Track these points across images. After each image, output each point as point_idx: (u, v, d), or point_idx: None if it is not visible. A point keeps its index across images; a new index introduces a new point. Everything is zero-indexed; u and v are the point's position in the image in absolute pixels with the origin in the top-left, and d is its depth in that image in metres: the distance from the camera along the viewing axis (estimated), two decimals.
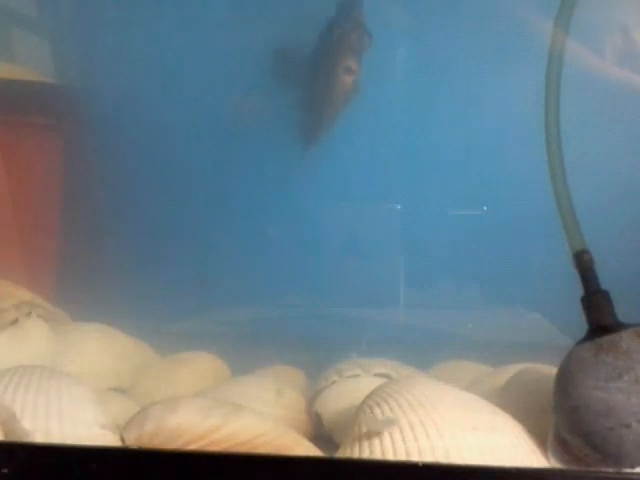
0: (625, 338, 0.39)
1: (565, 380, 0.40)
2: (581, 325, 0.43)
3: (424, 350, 0.77)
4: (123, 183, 0.95)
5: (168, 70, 0.90)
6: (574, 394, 0.39)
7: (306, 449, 0.44)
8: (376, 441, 0.41)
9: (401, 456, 0.39)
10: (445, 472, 0.37)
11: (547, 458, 0.41)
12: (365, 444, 0.41)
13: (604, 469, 0.38)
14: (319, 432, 0.59)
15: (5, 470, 0.37)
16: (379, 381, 0.54)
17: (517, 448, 0.40)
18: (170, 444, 0.40)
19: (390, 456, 0.39)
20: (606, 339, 0.39)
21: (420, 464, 0.37)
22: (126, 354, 0.71)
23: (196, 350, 0.73)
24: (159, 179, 0.94)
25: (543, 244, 0.77)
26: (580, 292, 0.43)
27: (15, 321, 0.63)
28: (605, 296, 0.42)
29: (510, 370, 0.60)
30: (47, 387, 0.44)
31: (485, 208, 0.88)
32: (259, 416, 0.44)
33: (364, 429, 0.42)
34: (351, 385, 0.60)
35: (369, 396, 0.46)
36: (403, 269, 0.91)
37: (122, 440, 0.42)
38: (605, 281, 0.43)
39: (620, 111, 0.78)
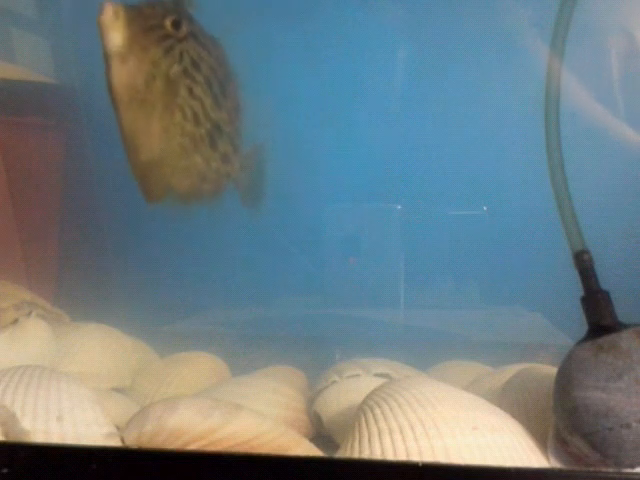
0: (625, 338, 0.39)
1: (565, 380, 0.40)
2: (581, 325, 0.43)
3: (424, 350, 0.77)
4: (123, 183, 0.95)
5: None
6: (574, 394, 0.39)
7: (306, 449, 0.44)
8: (376, 441, 0.41)
9: (401, 456, 0.39)
10: (445, 472, 0.37)
11: (547, 458, 0.41)
12: (365, 444, 0.41)
13: (604, 469, 0.38)
14: (319, 432, 0.59)
15: (5, 470, 0.37)
16: (379, 381, 0.54)
17: (517, 448, 0.40)
18: (170, 444, 0.40)
19: (390, 456, 0.39)
20: (606, 339, 0.39)
21: (420, 464, 0.37)
22: (126, 354, 0.71)
23: (196, 350, 0.73)
24: None
25: (543, 244, 0.77)
26: (580, 292, 0.43)
27: (15, 321, 0.63)
28: (605, 296, 0.42)
29: (510, 370, 0.60)
30: (47, 387, 0.44)
31: (485, 208, 0.88)
32: (259, 416, 0.44)
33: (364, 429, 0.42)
34: (351, 385, 0.60)
35: (369, 396, 0.46)
36: (403, 269, 0.91)
37: (122, 440, 0.42)
38: (605, 281, 0.43)
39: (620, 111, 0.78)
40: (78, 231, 0.93)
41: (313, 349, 0.80)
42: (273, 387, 0.60)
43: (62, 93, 0.92)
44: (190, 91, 0.56)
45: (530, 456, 0.41)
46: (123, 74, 0.53)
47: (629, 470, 0.38)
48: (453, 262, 0.92)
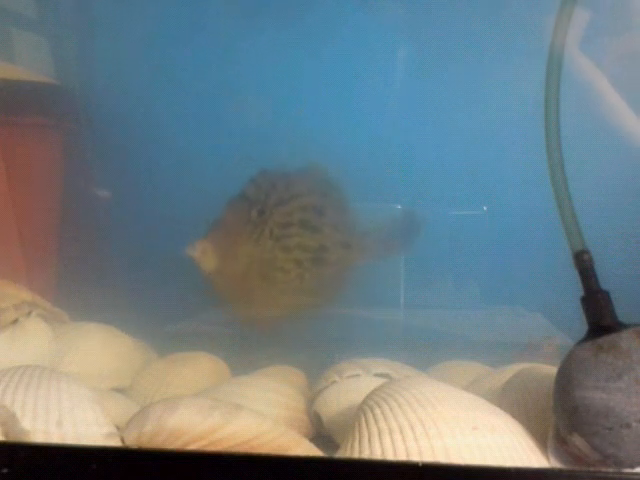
0: (625, 338, 0.39)
1: (565, 380, 0.40)
2: (581, 325, 0.43)
3: (424, 350, 0.77)
4: (123, 183, 0.95)
5: (166, 70, 0.90)
6: (574, 394, 0.39)
7: (306, 449, 0.44)
8: (376, 441, 0.41)
9: (401, 456, 0.39)
10: (445, 472, 0.37)
11: (547, 458, 0.41)
12: (365, 444, 0.41)
13: (604, 469, 0.38)
14: (319, 432, 0.59)
15: (5, 470, 0.37)
16: (379, 381, 0.54)
17: (517, 448, 0.40)
18: (170, 444, 0.40)
19: (390, 456, 0.39)
20: (606, 339, 0.39)
21: (420, 464, 0.37)
22: (126, 354, 0.71)
23: (196, 350, 0.73)
24: (159, 179, 0.94)
25: (543, 244, 0.77)
26: (580, 292, 0.43)
27: (15, 321, 0.63)
28: (605, 296, 0.42)
29: (510, 370, 0.60)
30: (47, 387, 0.44)
31: (485, 208, 0.88)
32: (259, 416, 0.44)
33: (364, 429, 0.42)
34: (351, 385, 0.60)
35: (369, 396, 0.46)
36: (403, 269, 0.91)
37: (122, 440, 0.42)
38: (605, 281, 0.43)
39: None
40: (78, 231, 0.93)
41: (313, 349, 0.80)
42: (273, 387, 0.60)
43: (62, 93, 0.92)
44: (286, 249, 0.56)
45: (530, 456, 0.41)
46: (223, 282, 0.55)
47: (629, 470, 0.38)
48: (453, 262, 0.92)
